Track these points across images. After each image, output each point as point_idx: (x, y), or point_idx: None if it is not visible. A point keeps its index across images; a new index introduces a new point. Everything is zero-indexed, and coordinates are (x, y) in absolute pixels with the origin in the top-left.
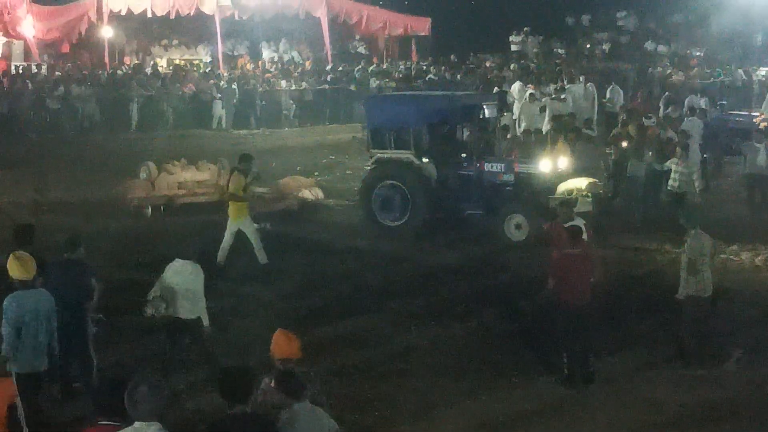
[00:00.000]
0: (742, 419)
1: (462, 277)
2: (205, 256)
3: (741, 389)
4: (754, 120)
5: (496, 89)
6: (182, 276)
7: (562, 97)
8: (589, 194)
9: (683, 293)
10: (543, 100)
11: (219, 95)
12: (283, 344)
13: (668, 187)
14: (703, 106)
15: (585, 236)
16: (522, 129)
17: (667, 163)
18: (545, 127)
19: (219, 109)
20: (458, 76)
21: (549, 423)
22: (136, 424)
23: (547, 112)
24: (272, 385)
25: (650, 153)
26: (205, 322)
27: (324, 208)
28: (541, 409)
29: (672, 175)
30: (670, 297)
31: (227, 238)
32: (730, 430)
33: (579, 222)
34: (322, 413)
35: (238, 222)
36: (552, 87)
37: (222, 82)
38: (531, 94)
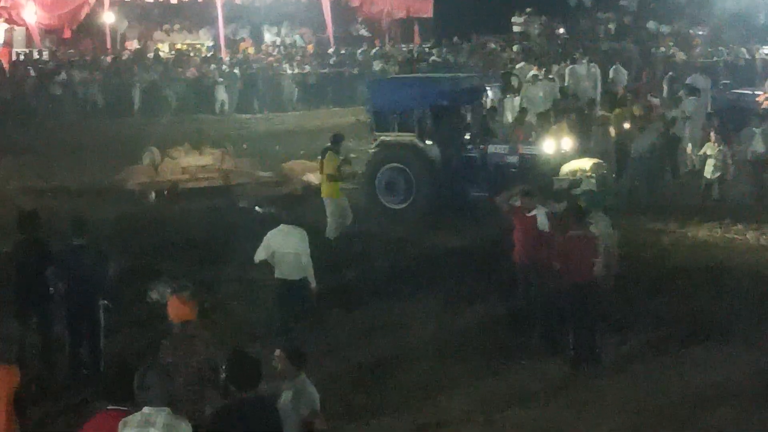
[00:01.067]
0: (747, 400)
1: (467, 259)
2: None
3: (747, 370)
4: (756, 99)
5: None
6: (289, 239)
7: (550, 77)
8: (593, 175)
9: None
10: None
11: (221, 79)
12: (178, 308)
13: (707, 174)
14: (705, 86)
15: (546, 227)
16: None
17: (704, 149)
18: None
19: (222, 94)
20: (461, 57)
21: (557, 404)
22: (146, 409)
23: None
24: (281, 355)
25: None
26: (312, 283)
27: None
28: (549, 390)
29: (708, 160)
30: (677, 277)
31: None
32: (736, 410)
33: (540, 211)
34: None
35: (333, 199)
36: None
37: (224, 67)
38: (534, 76)
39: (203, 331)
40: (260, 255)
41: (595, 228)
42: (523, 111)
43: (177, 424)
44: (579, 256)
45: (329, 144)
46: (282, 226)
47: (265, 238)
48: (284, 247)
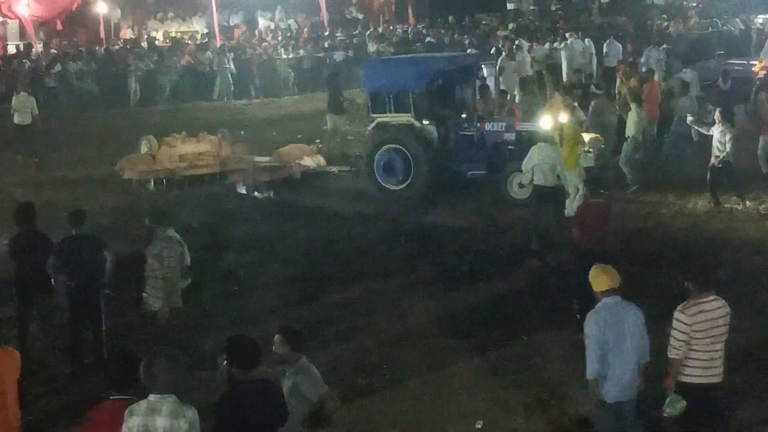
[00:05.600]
0: (750, 369)
1: (467, 237)
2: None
3: (747, 339)
4: (753, 68)
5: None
6: (547, 153)
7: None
8: (591, 149)
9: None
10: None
11: (222, 66)
12: None
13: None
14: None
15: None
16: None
17: (712, 130)
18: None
19: (222, 81)
20: (455, 36)
21: (560, 376)
22: (151, 396)
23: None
24: (280, 340)
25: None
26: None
27: (326, 174)
28: (552, 364)
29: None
30: (676, 249)
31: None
32: (737, 379)
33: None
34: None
35: (576, 170)
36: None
37: (228, 53)
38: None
39: None
40: (527, 165)
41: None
42: (503, 93)
43: (183, 410)
44: (592, 223)
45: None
46: (540, 144)
47: (529, 152)
48: (544, 158)
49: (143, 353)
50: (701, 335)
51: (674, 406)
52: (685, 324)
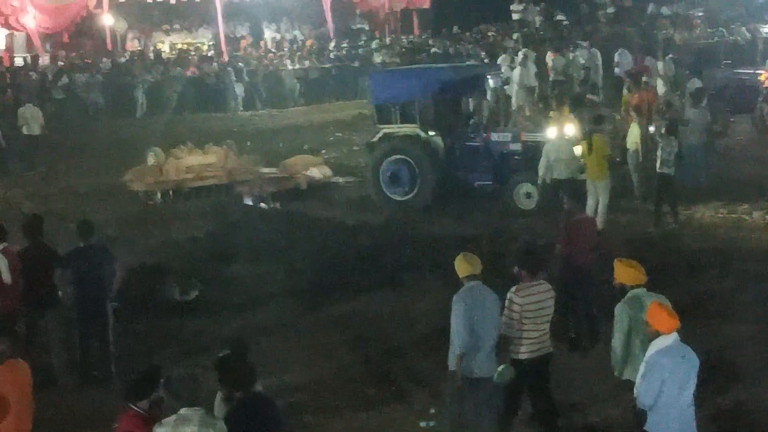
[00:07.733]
0: (745, 380)
1: (473, 247)
2: (218, 236)
3: (755, 350)
4: (758, 77)
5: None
6: (562, 148)
7: (519, 63)
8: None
9: None
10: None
11: (234, 78)
12: None
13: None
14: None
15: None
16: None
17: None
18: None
19: (240, 91)
20: (460, 46)
21: (564, 387)
22: (182, 410)
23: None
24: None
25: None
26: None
27: (332, 185)
28: (555, 375)
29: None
30: (681, 259)
31: (604, 199)
32: (732, 394)
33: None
34: None
35: (604, 182)
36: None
37: (240, 64)
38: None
39: None
40: (543, 164)
41: None
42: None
43: (212, 422)
44: (582, 238)
45: (592, 126)
46: (555, 140)
47: (543, 152)
48: (559, 154)
49: (164, 369)
50: (531, 314)
51: (504, 375)
52: (518, 304)
